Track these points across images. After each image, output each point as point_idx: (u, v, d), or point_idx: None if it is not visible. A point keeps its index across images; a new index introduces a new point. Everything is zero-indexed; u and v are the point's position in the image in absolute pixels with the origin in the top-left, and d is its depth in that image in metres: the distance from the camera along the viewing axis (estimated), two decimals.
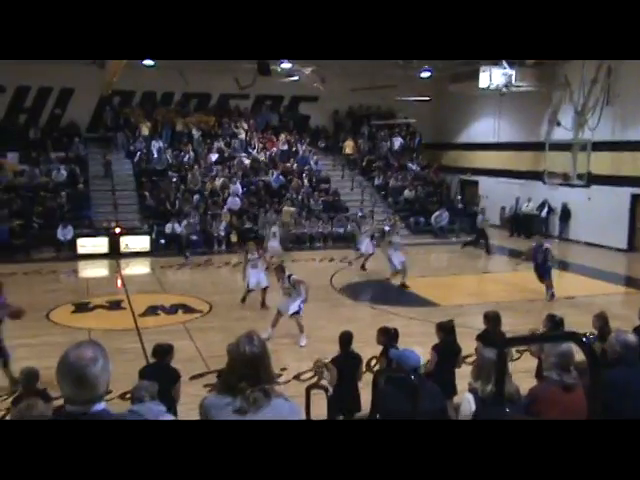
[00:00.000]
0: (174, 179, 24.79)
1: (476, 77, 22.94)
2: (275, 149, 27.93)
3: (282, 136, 28.52)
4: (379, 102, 29.62)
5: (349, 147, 29.15)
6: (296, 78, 24.30)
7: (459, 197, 28.37)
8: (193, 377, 9.27)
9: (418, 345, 6.54)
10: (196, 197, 23.88)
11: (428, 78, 26.16)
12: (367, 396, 6.73)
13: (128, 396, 6.07)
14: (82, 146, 25.98)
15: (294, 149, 28.30)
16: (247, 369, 3.03)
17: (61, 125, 27.11)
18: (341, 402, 6.94)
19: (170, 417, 4.71)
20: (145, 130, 26.84)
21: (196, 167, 25.44)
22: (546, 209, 24.95)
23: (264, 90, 27.13)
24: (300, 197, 25.11)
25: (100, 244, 20.98)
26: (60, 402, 2.74)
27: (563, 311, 9.31)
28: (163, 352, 7.01)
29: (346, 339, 7.46)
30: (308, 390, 5.85)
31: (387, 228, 21.80)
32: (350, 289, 16.05)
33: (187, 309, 13.88)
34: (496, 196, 26.75)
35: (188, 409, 5.65)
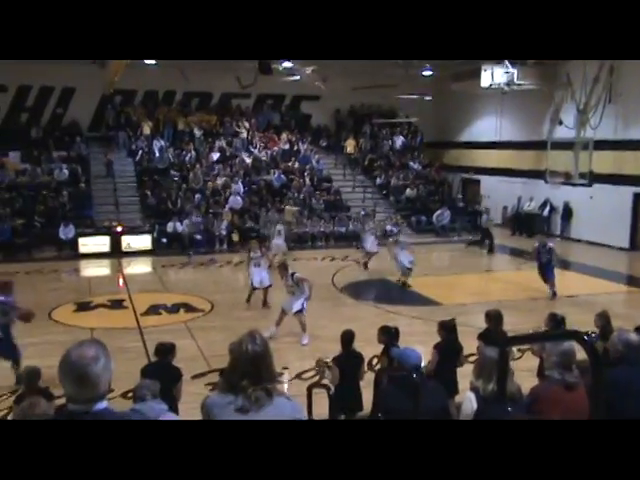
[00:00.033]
0: (176, 178, 24.82)
1: (478, 76, 22.93)
2: (277, 148, 27.93)
3: (284, 135, 28.54)
4: (381, 101, 29.62)
5: (350, 146, 29.15)
6: (297, 77, 24.30)
7: (460, 196, 28.37)
8: (195, 376, 9.28)
9: (420, 344, 6.55)
10: (198, 196, 23.90)
11: (429, 77, 26.17)
12: (369, 395, 6.74)
13: (130, 395, 6.08)
14: (84, 145, 26.02)
15: (296, 148, 28.30)
16: (249, 368, 3.04)
17: (63, 124, 27.14)
18: (343, 401, 6.94)
19: (172, 416, 4.71)
20: (147, 129, 26.86)
21: (198, 166, 25.45)
22: (548, 208, 24.93)
23: (265, 89, 27.13)
24: (302, 196, 25.11)
25: (102, 243, 20.99)
26: (62, 401, 2.74)
27: (565, 310, 9.31)
28: (165, 351, 7.02)
29: (348, 338, 7.46)
30: (310, 389, 5.86)
31: (389, 227, 21.86)
32: (352, 288, 16.05)
33: (189, 308, 13.89)
34: (498, 195, 26.74)
35: (190, 408, 5.64)
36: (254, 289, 13.74)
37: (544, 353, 5.26)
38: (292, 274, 11.48)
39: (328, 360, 7.26)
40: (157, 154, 25.98)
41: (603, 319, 7.45)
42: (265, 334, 10.28)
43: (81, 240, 20.82)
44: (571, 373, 4.28)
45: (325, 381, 7.14)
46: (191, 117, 27.98)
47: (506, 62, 22.10)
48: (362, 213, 23.17)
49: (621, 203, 21.44)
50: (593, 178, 22.36)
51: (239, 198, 24.09)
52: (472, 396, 4.31)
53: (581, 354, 3.73)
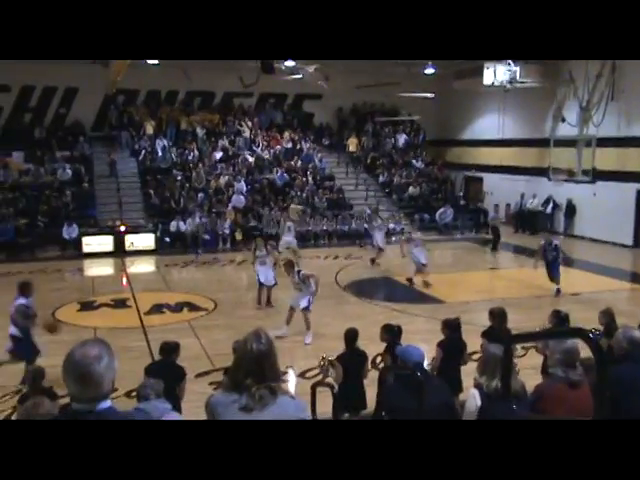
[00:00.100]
0: (179, 177, 24.83)
1: (480, 74, 22.90)
2: (279, 147, 27.92)
3: (286, 134, 28.54)
4: (383, 99, 29.59)
5: (353, 144, 29.15)
6: (300, 76, 24.28)
7: (461, 194, 28.34)
8: (198, 375, 9.28)
9: (423, 342, 6.55)
10: (201, 195, 23.91)
11: (432, 75, 26.14)
12: (372, 394, 6.74)
13: (134, 394, 6.09)
14: (87, 145, 26.06)
15: (298, 147, 28.30)
16: (253, 366, 3.04)
17: (66, 124, 27.17)
18: (347, 400, 6.94)
19: (176, 415, 4.72)
20: (149, 129, 26.88)
21: (200, 165, 25.47)
22: (551, 205, 24.89)
23: (268, 88, 27.12)
24: (304, 195, 25.10)
25: (105, 242, 21.04)
26: (67, 400, 2.74)
27: (569, 307, 9.28)
28: (169, 350, 7.03)
29: (351, 336, 7.46)
30: (314, 388, 5.85)
31: (392, 225, 21.85)
32: (355, 286, 16.05)
33: (192, 307, 13.90)
34: (501, 193, 26.71)
35: (194, 407, 5.65)
36: (261, 285, 13.63)
37: (548, 351, 5.26)
38: (298, 271, 11.51)
39: (332, 358, 7.26)
40: (160, 153, 26.00)
41: (607, 316, 7.44)
42: (277, 333, 10.39)
43: (84, 240, 20.87)
44: (575, 371, 4.28)
45: (329, 380, 7.14)
46: (194, 116, 27.99)
47: (508, 60, 22.06)
48: (367, 212, 23.18)
49: (624, 200, 21.40)
50: (596, 175, 22.34)
51: (242, 197, 24.10)
52: (476, 393, 4.32)
53: (585, 352, 3.73)
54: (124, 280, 17.83)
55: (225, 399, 3.08)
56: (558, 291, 14.36)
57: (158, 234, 21.76)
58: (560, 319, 7.43)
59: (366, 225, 22.74)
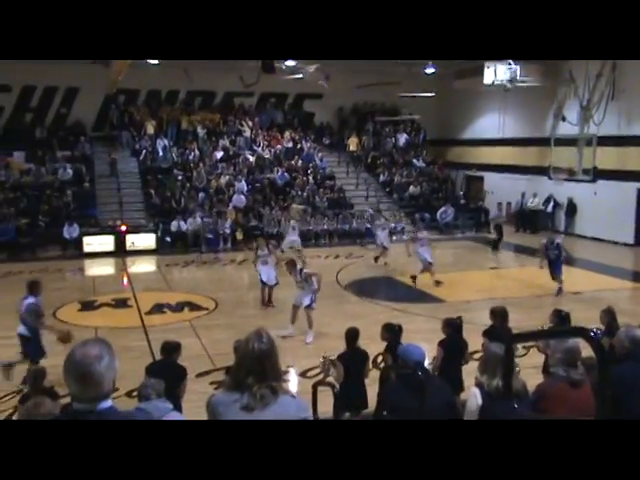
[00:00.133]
0: (179, 177, 24.83)
1: (481, 73, 22.89)
2: (280, 146, 27.92)
3: (287, 133, 28.54)
4: (384, 99, 29.57)
5: (353, 144, 29.16)
6: (300, 76, 24.27)
7: (461, 193, 28.32)
8: (199, 374, 9.28)
9: (424, 341, 6.53)
10: (201, 195, 23.92)
11: (432, 74, 26.13)
12: (373, 393, 6.73)
13: (135, 394, 6.09)
14: (88, 145, 26.06)
15: (299, 146, 28.30)
16: (254, 365, 3.05)
17: (67, 124, 27.19)
18: (348, 399, 6.93)
19: (177, 415, 4.72)
20: (150, 128, 26.88)
21: (201, 165, 25.47)
22: (552, 204, 24.89)
23: (268, 88, 27.11)
24: (305, 194, 25.10)
25: (106, 242, 21.05)
26: (68, 400, 2.75)
27: (570, 306, 9.28)
28: (171, 349, 7.02)
29: (352, 336, 7.45)
30: (315, 387, 5.84)
31: (393, 224, 21.85)
32: (356, 286, 16.05)
33: (193, 307, 13.90)
34: (501, 192, 26.67)
35: (194, 407, 5.65)
36: (263, 285, 13.60)
37: (549, 350, 5.26)
38: (300, 270, 11.52)
39: (333, 357, 7.26)
40: (161, 153, 26.00)
41: (609, 315, 7.43)
42: (283, 333, 10.44)
43: (85, 239, 20.88)
44: (576, 370, 4.28)
45: (330, 379, 7.14)
46: (194, 116, 27.99)
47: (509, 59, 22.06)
48: (369, 211, 23.17)
49: (625, 199, 21.40)
50: (597, 174, 22.33)
51: (243, 197, 24.10)
52: (477, 392, 4.31)
53: (586, 351, 3.73)
54: (125, 280, 17.84)
55: (226, 398, 3.09)
56: (559, 290, 14.35)
57: (159, 234, 21.77)
58: (561, 318, 7.42)
59: (368, 224, 22.75)
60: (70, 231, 20.82)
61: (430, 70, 25.62)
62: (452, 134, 30.65)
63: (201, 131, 27.40)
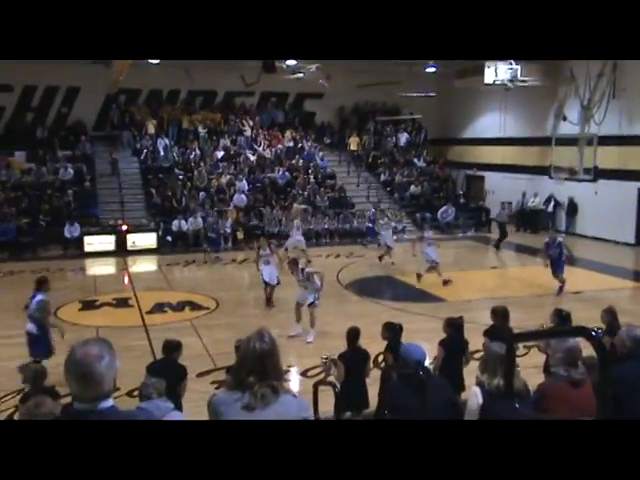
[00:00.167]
0: (180, 176, 24.84)
1: (481, 72, 22.89)
2: (281, 146, 27.92)
3: (288, 133, 28.53)
4: (384, 98, 29.57)
5: (354, 143, 29.15)
6: (301, 75, 24.28)
7: (461, 192, 28.31)
8: (200, 374, 9.29)
9: (425, 341, 6.53)
10: (202, 194, 23.92)
11: (433, 74, 26.14)
12: (374, 392, 6.73)
13: (136, 393, 6.09)
14: (89, 144, 26.06)
15: (300, 146, 28.28)
16: (256, 365, 3.05)
17: (68, 124, 27.19)
18: (349, 399, 6.93)
19: (178, 414, 4.72)
20: (151, 128, 26.88)
21: (202, 164, 25.47)
22: (552, 204, 24.87)
23: (269, 87, 27.11)
24: (306, 193, 25.10)
25: (107, 242, 21.06)
26: (69, 399, 2.75)
27: (571, 306, 9.27)
28: (171, 348, 7.02)
29: (353, 335, 7.45)
30: (316, 386, 5.85)
31: (394, 224, 21.82)
32: (357, 285, 16.05)
33: (194, 306, 13.91)
34: (502, 191, 26.66)
35: (195, 406, 5.66)
36: (266, 285, 13.56)
37: (549, 350, 5.26)
38: (302, 269, 11.53)
39: (334, 357, 7.26)
40: (162, 153, 26.01)
41: (610, 315, 7.43)
42: (291, 333, 10.45)
43: (86, 239, 20.89)
44: (577, 369, 4.28)
45: (331, 378, 7.14)
46: (195, 115, 27.99)
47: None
48: (372, 211, 23.16)
49: (626, 198, 21.38)
50: (598, 173, 22.31)
51: (244, 196, 24.10)
52: (478, 391, 4.31)
53: (587, 350, 3.73)
54: (126, 279, 17.85)
55: (228, 398, 3.10)
56: (561, 289, 14.34)
57: (160, 233, 21.78)
58: (562, 318, 7.42)
59: (370, 224, 22.75)
60: (71, 231, 20.83)
61: (431, 69, 25.63)
62: (453, 133, 30.64)
63: (202, 130, 27.40)
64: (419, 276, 15.72)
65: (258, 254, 13.79)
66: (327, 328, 11.37)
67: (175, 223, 22.04)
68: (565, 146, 23.11)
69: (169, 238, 21.90)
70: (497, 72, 22.69)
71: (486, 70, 22.72)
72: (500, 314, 7.69)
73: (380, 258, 18.47)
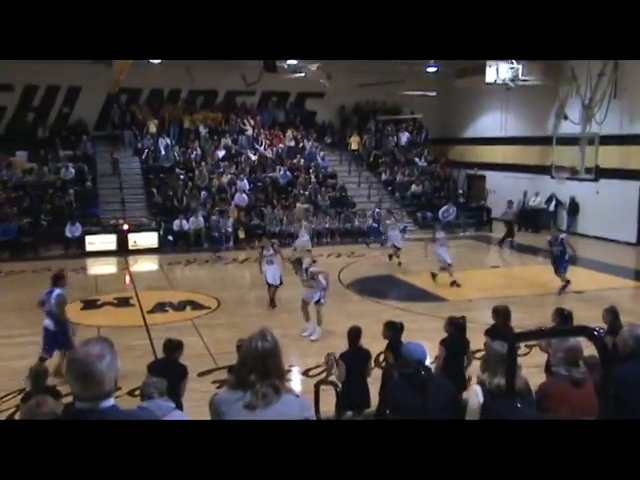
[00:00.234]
0: (181, 176, 24.85)
1: (482, 72, 22.84)
2: (282, 145, 27.93)
3: (289, 132, 28.53)
4: (385, 97, 29.56)
5: (355, 143, 29.15)
6: (302, 75, 24.27)
7: (460, 191, 28.30)
8: (201, 373, 9.29)
9: (427, 340, 6.53)
10: (203, 194, 23.93)
11: (434, 73, 26.11)
12: (376, 392, 6.73)
13: (137, 392, 6.09)
14: (90, 144, 26.07)
15: (301, 145, 28.29)
16: (258, 364, 3.06)
17: (69, 123, 27.20)
18: (350, 398, 6.94)
19: (179, 413, 4.73)
20: (152, 127, 26.89)
21: (203, 164, 25.46)
22: (554, 203, 24.87)
23: (270, 87, 27.10)
24: (307, 193, 25.11)
25: (108, 241, 21.07)
26: (70, 399, 2.75)
27: (572, 305, 9.27)
28: (172, 347, 7.03)
29: (355, 334, 7.44)
30: (317, 386, 5.86)
31: (402, 224, 21.80)
32: (358, 285, 16.04)
33: (195, 306, 13.91)
34: (503, 190, 26.63)
35: (197, 405, 5.66)
36: (269, 286, 13.48)
37: (550, 349, 5.26)
38: (306, 269, 11.52)
39: (337, 355, 7.25)
40: (163, 152, 26.02)
41: (611, 314, 7.42)
42: (304, 334, 10.46)
43: (88, 238, 20.90)
44: (578, 369, 4.28)
45: (332, 378, 7.14)
46: (196, 115, 27.99)
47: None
48: (376, 210, 23.12)
49: (628, 198, 21.36)
50: (599, 173, 22.28)
51: (245, 195, 24.11)
52: (478, 389, 4.31)
53: (588, 350, 3.73)
54: (127, 279, 17.85)
55: (229, 397, 3.10)
56: (562, 288, 14.32)
57: (161, 233, 21.78)
58: (563, 317, 7.41)
59: (375, 223, 22.73)
60: (72, 230, 20.84)
61: (432, 69, 25.60)
62: (454, 133, 30.63)
63: (203, 130, 27.41)
64: (434, 275, 15.68)
65: (261, 254, 13.69)
66: (328, 327, 11.37)
67: (176, 222, 22.05)
68: (566, 145, 23.08)
69: (170, 237, 21.91)
70: (498, 71, 22.65)
71: (487, 69, 22.68)
72: (501, 313, 7.68)
73: (390, 257, 18.35)
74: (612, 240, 21.76)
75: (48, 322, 9.21)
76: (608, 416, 2.91)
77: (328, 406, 6.70)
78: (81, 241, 20.81)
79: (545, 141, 24.43)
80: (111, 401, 2.53)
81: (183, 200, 23.50)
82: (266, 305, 13.48)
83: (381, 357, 8.72)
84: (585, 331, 3.02)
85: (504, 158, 27.20)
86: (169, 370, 6.35)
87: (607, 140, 21.77)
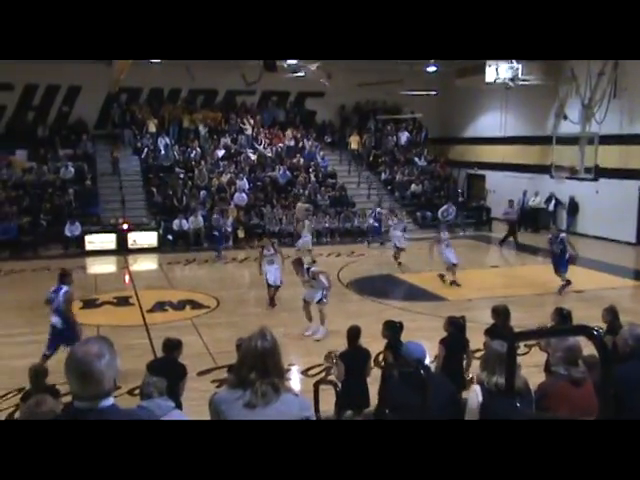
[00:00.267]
0: (181, 175, 24.85)
1: (482, 71, 22.86)
2: (282, 145, 27.92)
3: (288, 132, 28.52)
4: (385, 97, 29.55)
5: (355, 142, 29.14)
6: (302, 74, 24.26)
7: (460, 191, 28.30)
8: (201, 373, 9.30)
9: (426, 340, 6.53)
10: (203, 193, 23.93)
11: (434, 73, 26.11)
12: (376, 391, 6.73)
13: (137, 392, 6.10)
14: (90, 143, 26.07)
15: (300, 144, 28.28)
16: (257, 363, 3.06)
17: (69, 122, 27.18)
18: (349, 397, 6.94)
19: (178, 413, 4.73)
20: (152, 127, 26.87)
21: (203, 163, 25.47)
22: (553, 203, 24.87)
23: (270, 86, 27.09)
24: (307, 192, 25.11)
25: (108, 240, 21.08)
26: (70, 398, 2.75)
27: (572, 305, 9.27)
28: (172, 347, 7.03)
29: (354, 334, 7.44)
30: (316, 385, 5.86)
31: (404, 225, 21.77)
32: (357, 284, 16.05)
33: (194, 305, 13.91)
34: (503, 190, 26.62)
35: (196, 405, 5.67)
36: (270, 287, 13.41)
37: (550, 349, 5.26)
38: (307, 269, 11.51)
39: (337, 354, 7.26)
40: (162, 151, 26.01)
41: (611, 314, 7.43)
42: (307, 333, 10.46)
43: (87, 237, 20.91)
44: (577, 368, 4.28)
45: (332, 377, 7.15)
46: (196, 114, 27.97)
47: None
48: (378, 210, 23.11)
49: (627, 197, 21.37)
50: (599, 172, 22.29)
51: (244, 195, 24.11)
52: (478, 389, 4.32)
53: (588, 349, 3.73)
54: (127, 278, 17.85)
55: (229, 396, 3.11)
56: (563, 287, 14.31)
57: (161, 232, 21.79)
58: (562, 317, 7.41)
59: (376, 223, 22.72)
60: (72, 229, 20.84)
61: (432, 68, 25.60)
62: (454, 132, 30.63)
63: (203, 129, 27.40)
64: (442, 277, 15.68)
65: (261, 254, 13.62)
66: (328, 327, 11.37)
67: (176, 222, 22.05)
68: (566, 145, 23.10)
69: (170, 237, 21.92)
70: (498, 71, 22.66)
71: (487, 69, 22.69)
72: (501, 313, 7.69)
73: (395, 257, 18.33)
74: (612, 240, 21.77)
75: (55, 319, 9.20)
76: (608, 416, 2.91)
77: (328, 405, 6.70)
78: (81, 240, 20.81)
79: (545, 141, 24.44)
80: (110, 400, 2.53)
81: (183, 199, 23.50)
82: (265, 304, 13.47)
83: (380, 356, 8.71)
84: (584, 330, 3.03)
85: (504, 157, 27.21)
86: (168, 369, 6.35)
87: (607, 140, 21.79)
